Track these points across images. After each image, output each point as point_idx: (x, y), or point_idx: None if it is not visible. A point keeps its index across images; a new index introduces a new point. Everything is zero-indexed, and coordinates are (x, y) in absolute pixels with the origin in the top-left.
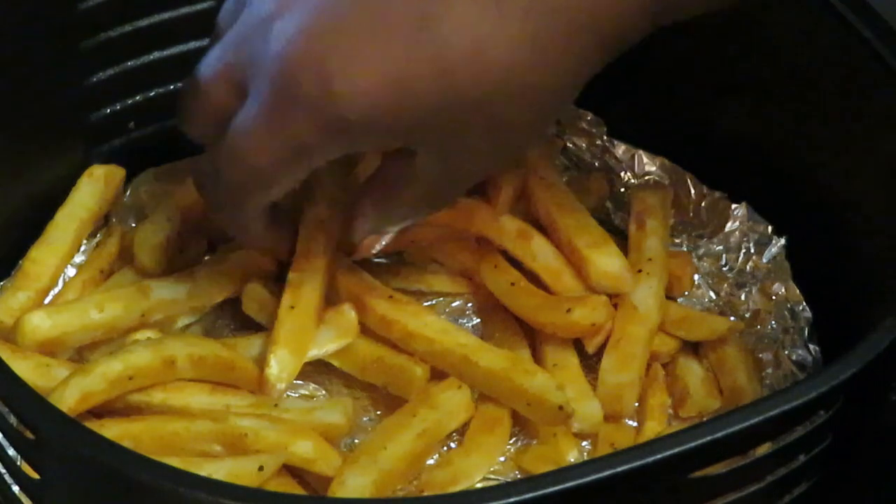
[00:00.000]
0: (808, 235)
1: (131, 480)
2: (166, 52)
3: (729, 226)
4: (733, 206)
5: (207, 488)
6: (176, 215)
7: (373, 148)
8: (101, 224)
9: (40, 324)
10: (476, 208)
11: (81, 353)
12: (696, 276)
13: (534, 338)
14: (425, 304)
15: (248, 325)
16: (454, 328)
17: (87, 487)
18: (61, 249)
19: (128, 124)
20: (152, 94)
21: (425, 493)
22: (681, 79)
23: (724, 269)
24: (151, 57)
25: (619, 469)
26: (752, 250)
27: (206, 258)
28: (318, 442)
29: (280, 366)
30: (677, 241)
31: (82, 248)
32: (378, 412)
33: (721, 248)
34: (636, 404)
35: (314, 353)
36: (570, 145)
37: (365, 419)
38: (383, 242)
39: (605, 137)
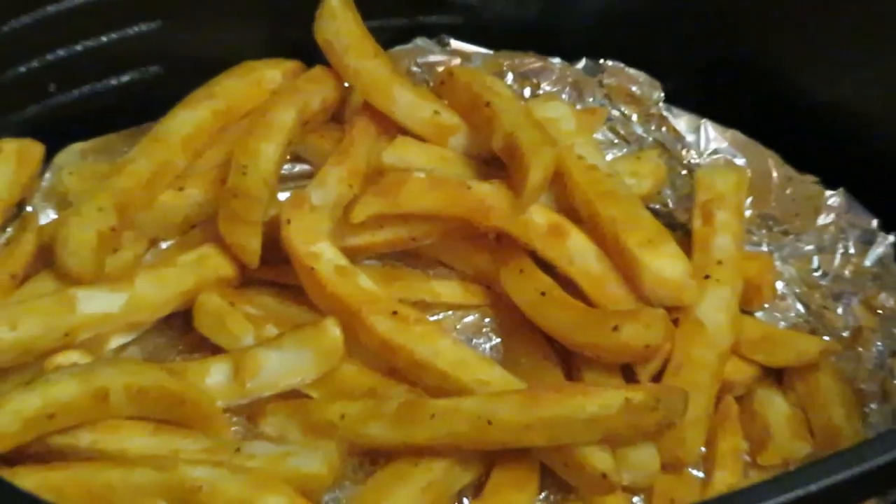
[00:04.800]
0: None
1: None
2: None
3: (822, 219)
4: (827, 193)
5: None
6: (109, 204)
7: None
8: (13, 214)
9: None
10: (495, 196)
11: None
12: (779, 284)
13: (570, 363)
14: (432, 317)
15: (202, 347)
16: (473, 357)
17: None
18: None
19: (47, 86)
20: (79, 47)
21: None
22: (759, 30)
23: (816, 274)
24: (77, 0)
25: None
26: (853, 250)
27: (147, 260)
28: (292, 498)
29: None
30: (755, 238)
31: None
32: (370, 459)
33: (812, 247)
34: (702, 449)
35: (289, 381)
36: (617, 115)
37: (353, 468)
38: None
39: (661, 105)
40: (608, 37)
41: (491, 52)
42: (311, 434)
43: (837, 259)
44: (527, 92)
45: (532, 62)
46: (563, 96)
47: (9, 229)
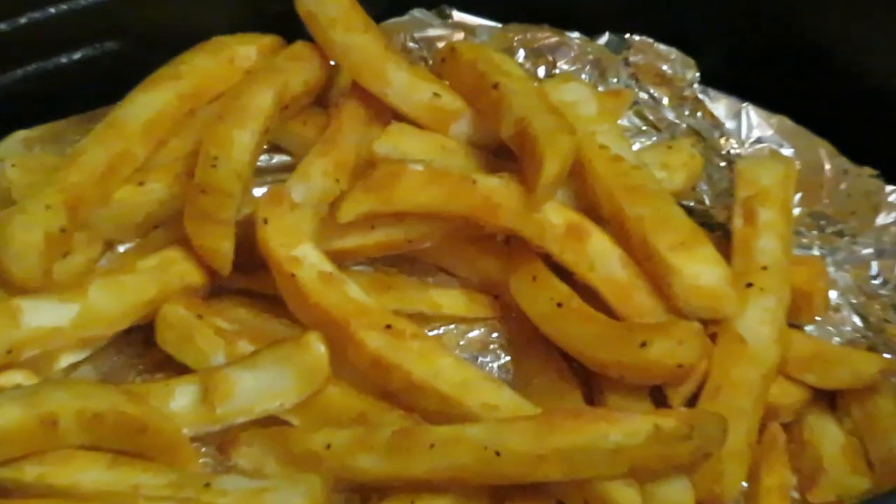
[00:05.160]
0: None
1: None
2: None
3: (882, 218)
4: (888, 188)
5: None
6: (58, 202)
7: None
8: None
9: None
10: (505, 192)
11: None
12: (832, 294)
13: (591, 385)
14: (431, 332)
15: (165, 366)
16: (479, 378)
17: None
18: None
19: None
20: (23, 20)
21: None
22: None
23: (876, 281)
24: None
25: None
26: None
27: (102, 265)
28: None
29: None
30: (805, 240)
31: None
32: (360, 495)
33: (870, 251)
34: (744, 484)
35: (265, 406)
36: (646, 97)
37: None
38: None
39: (696, 86)
40: (635, 8)
41: (499, 25)
42: (291, 466)
43: None
44: (541, 71)
45: (547, 37)
46: (583, 76)
47: None
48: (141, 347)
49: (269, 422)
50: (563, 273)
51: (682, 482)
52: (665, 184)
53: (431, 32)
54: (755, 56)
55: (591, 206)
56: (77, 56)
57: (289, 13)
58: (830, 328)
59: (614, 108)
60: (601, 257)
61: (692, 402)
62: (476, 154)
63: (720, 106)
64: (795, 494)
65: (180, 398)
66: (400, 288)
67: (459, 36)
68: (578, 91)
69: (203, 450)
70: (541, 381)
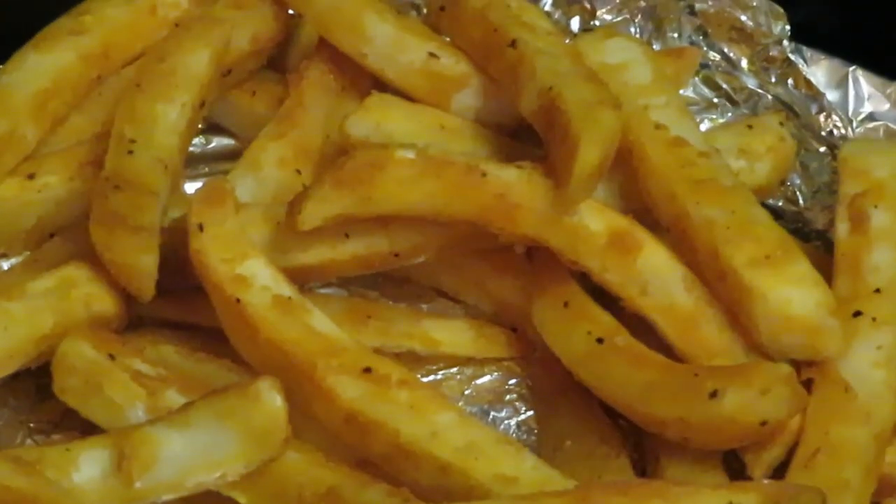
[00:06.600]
0: None
1: None
2: None
3: None
4: None
5: None
6: None
7: None
8: None
9: None
10: (525, 187)
11: None
12: None
13: (642, 449)
14: (425, 378)
15: (66, 424)
16: (491, 440)
17: None
18: None
19: None
20: None
21: None
22: None
23: None
24: None
25: None
26: None
27: None
28: None
29: None
30: None
31: None
32: None
33: None
34: None
35: (201, 478)
36: (718, 59)
37: None
38: None
39: (787, 44)
40: None
41: None
42: None
43: None
44: (575, 24)
45: None
46: (632, 30)
47: None
48: (32, 399)
49: (207, 500)
50: (605, 298)
51: None
52: (744, 177)
53: None
54: (867, 3)
55: (644, 208)
56: None
57: None
58: None
59: (675, 74)
60: (657, 277)
61: (780, 471)
62: (487, 136)
63: (819, 70)
64: None
65: (86, 468)
66: (384, 318)
67: None
68: (626, 50)
69: None
70: (575, 445)
